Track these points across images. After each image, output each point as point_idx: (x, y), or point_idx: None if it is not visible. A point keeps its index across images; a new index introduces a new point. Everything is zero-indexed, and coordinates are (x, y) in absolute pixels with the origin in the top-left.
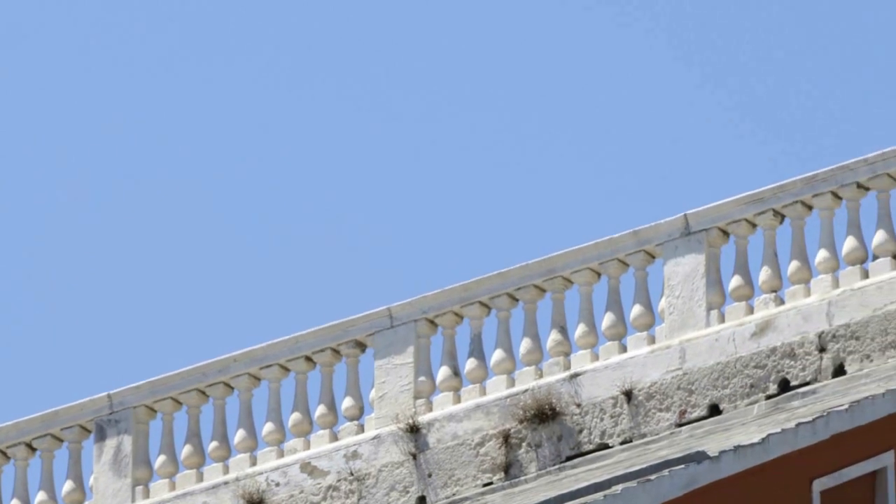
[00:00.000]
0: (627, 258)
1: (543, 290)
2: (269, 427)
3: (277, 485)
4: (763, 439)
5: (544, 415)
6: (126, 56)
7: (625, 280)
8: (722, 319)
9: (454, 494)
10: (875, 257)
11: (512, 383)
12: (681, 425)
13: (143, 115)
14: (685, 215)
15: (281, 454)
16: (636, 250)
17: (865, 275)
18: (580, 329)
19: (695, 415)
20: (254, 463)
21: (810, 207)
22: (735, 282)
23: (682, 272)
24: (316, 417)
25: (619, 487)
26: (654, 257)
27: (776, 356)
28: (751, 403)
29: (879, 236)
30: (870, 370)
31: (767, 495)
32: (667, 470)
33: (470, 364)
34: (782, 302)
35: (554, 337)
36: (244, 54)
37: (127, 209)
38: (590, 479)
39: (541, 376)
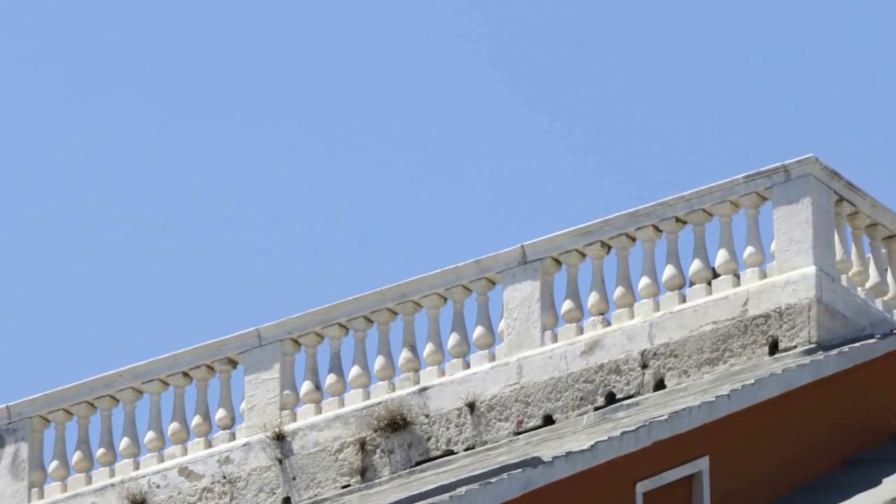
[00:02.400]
0: (470, 284)
1: (396, 313)
2: (150, 435)
3: (158, 487)
4: (592, 446)
5: (396, 424)
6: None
7: (468, 304)
8: (555, 339)
9: (316, 495)
10: (692, 283)
11: (368, 396)
12: (518, 434)
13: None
14: (522, 246)
15: (161, 459)
16: (478, 277)
17: (683, 299)
18: (428, 348)
19: (531, 424)
20: (137, 467)
21: (634, 239)
22: (567, 305)
23: (520, 297)
24: (192, 426)
25: (462, 489)
26: (494, 283)
27: (603, 372)
28: (581, 414)
29: (696, 265)
30: (687, 384)
31: (596, 496)
32: (506, 474)
33: (330, 379)
34: (609, 324)
35: (405, 355)
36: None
37: (15, 230)
38: (437, 481)
39: (393, 390)
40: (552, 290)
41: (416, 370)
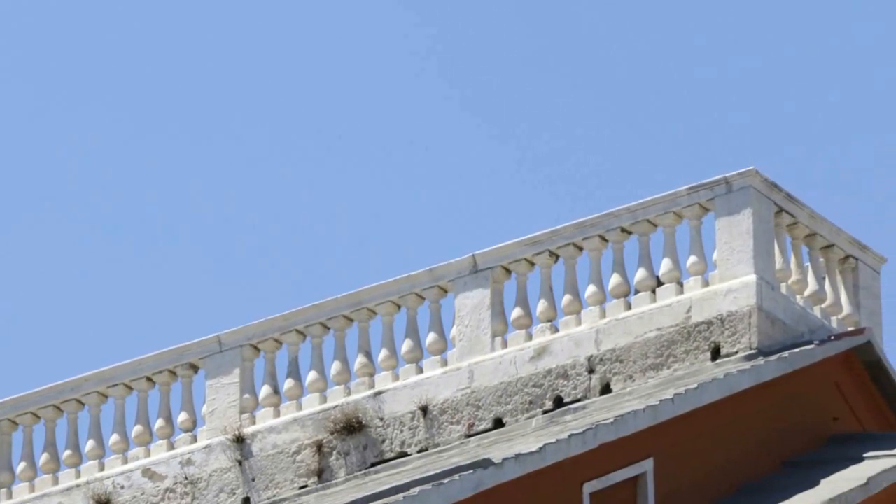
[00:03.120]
0: (423, 292)
1: (351, 320)
2: (115, 438)
3: (122, 487)
4: (540, 448)
5: (352, 427)
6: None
7: (421, 311)
8: (505, 345)
9: (274, 496)
10: (637, 291)
11: (324, 400)
12: (469, 436)
13: None
14: (473, 255)
15: (125, 461)
16: (431, 285)
17: (628, 307)
18: (383, 353)
19: (481, 427)
20: (102, 468)
21: (581, 249)
22: (516, 313)
23: (471, 304)
24: (155, 429)
25: (416, 490)
26: (446, 291)
27: (551, 377)
28: (530, 417)
29: (640, 273)
30: (632, 388)
31: (544, 496)
32: (457, 475)
33: (288, 384)
34: (557, 330)
35: (360, 360)
36: None
37: None
38: (391, 482)
39: (349, 394)
40: (502, 297)
41: (371, 375)
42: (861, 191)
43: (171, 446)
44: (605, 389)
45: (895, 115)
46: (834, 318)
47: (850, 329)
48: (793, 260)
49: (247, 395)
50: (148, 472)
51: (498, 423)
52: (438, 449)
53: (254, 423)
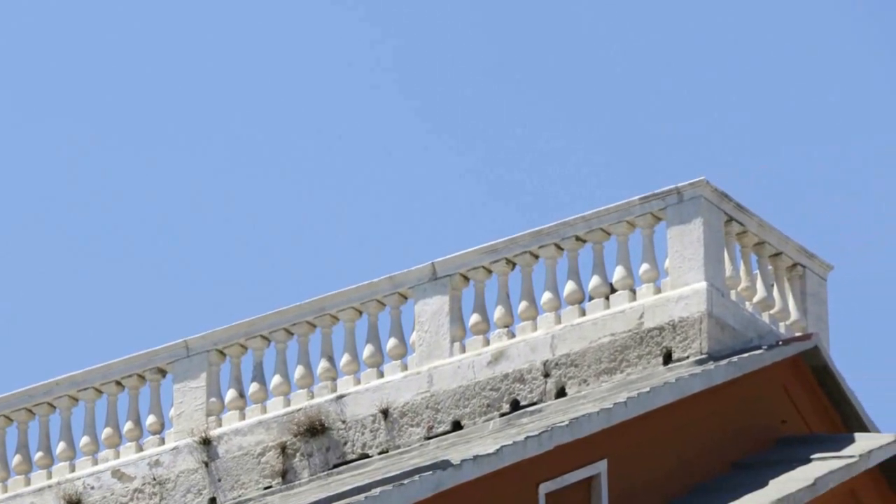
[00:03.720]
0: (384, 299)
1: (314, 326)
2: (85, 440)
3: (92, 488)
4: (497, 450)
5: (315, 430)
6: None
7: (382, 317)
8: (463, 350)
9: (240, 496)
10: (591, 298)
11: (288, 403)
12: (429, 438)
13: None
14: (433, 263)
15: (95, 462)
16: (391, 292)
17: (583, 313)
18: (345, 358)
19: (441, 430)
20: (73, 470)
21: (537, 256)
22: (474, 318)
23: (430, 310)
24: (125, 432)
25: (377, 490)
26: (406, 298)
27: (508, 381)
28: (487, 420)
29: (594, 281)
30: (586, 392)
31: (501, 496)
32: (417, 476)
33: (253, 387)
34: (513, 336)
35: (323, 365)
36: None
37: None
38: (353, 483)
39: (312, 397)
40: (461, 304)
41: (334, 379)
42: (813, 201)
43: (140, 448)
44: (561, 393)
45: (843, 127)
46: (782, 324)
47: (798, 335)
48: (742, 267)
49: (213, 399)
50: (117, 473)
51: (456, 426)
52: (399, 451)
53: (220, 425)
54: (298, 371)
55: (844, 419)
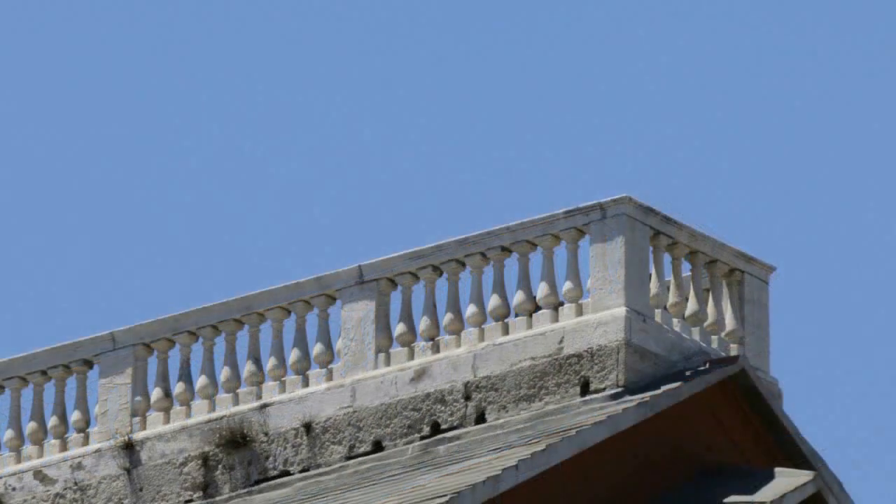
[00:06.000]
0: (311, 300)
1: (242, 324)
2: (9, 434)
3: (14, 489)
4: None
5: (237, 442)
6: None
7: (310, 318)
8: (388, 362)
9: None
10: (516, 315)
11: (213, 407)
12: (349, 458)
13: None
14: (360, 266)
15: (19, 460)
16: (318, 294)
17: (506, 330)
18: (271, 362)
19: (361, 450)
20: None
21: (463, 265)
22: (400, 328)
23: (356, 316)
24: (49, 427)
25: None
26: (334, 300)
27: (430, 401)
28: (408, 443)
29: (519, 296)
30: (505, 420)
31: None
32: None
33: (179, 387)
34: (438, 350)
35: (249, 368)
36: None
37: None
38: (273, 500)
39: (237, 403)
40: (388, 310)
41: (260, 383)
42: (759, 204)
43: (65, 446)
44: (480, 418)
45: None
46: (715, 338)
47: (724, 356)
48: (672, 281)
49: (138, 398)
50: (40, 475)
51: (377, 446)
52: (319, 470)
53: (144, 427)
54: (224, 373)
55: (777, 441)
